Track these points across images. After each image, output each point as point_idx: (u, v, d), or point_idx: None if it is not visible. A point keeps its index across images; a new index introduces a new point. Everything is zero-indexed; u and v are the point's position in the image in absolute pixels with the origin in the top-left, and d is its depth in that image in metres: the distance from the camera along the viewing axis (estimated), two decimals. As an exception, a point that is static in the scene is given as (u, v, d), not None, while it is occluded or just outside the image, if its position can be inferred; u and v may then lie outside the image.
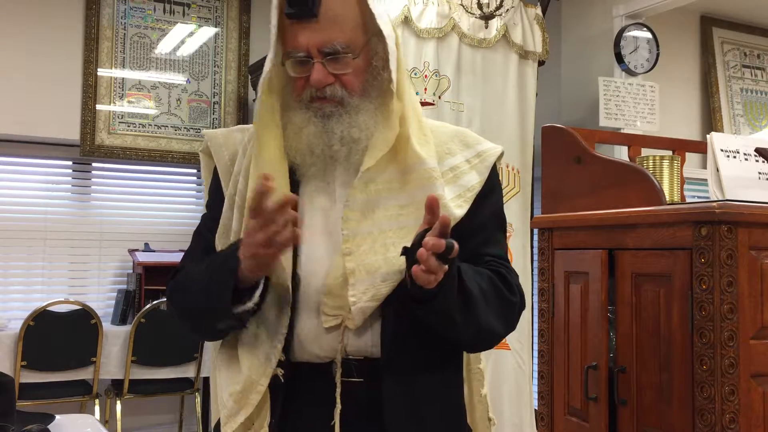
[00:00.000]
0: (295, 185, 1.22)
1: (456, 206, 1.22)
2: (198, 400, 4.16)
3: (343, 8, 1.17)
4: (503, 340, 3.77)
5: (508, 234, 3.68)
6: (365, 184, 1.19)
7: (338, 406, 1.15)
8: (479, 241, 1.25)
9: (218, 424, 1.27)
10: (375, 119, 1.21)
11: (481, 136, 1.35)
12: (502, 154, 1.34)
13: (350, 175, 1.21)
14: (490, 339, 1.23)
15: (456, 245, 1.01)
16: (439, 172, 1.23)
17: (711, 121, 4.95)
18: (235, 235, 1.23)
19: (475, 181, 1.26)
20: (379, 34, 1.20)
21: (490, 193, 1.29)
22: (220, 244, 1.27)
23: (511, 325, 1.25)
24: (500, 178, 1.34)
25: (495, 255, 1.26)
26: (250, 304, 1.14)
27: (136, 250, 4.31)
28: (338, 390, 1.16)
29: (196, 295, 1.19)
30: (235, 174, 1.28)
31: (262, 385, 1.17)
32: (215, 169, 1.32)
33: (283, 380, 1.18)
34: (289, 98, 1.23)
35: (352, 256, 1.16)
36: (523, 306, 1.27)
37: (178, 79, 4.48)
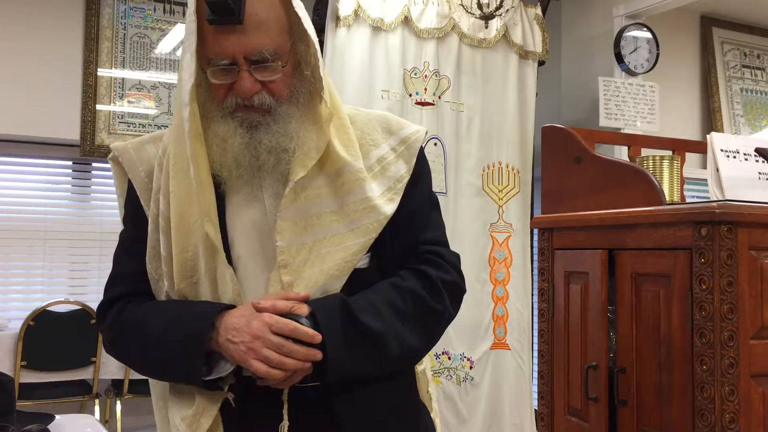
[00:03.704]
0: (219, 197, 1.17)
1: (387, 201, 1.20)
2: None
3: (269, 12, 1.11)
4: (503, 340, 3.79)
5: (507, 234, 3.70)
6: (296, 192, 1.15)
7: (285, 422, 1.14)
8: (415, 228, 1.24)
9: None
10: (304, 126, 1.16)
11: (406, 121, 1.31)
12: (426, 135, 1.31)
13: (280, 184, 1.17)
14: (413, 359, 1.25)
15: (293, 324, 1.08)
16: (366, 172, 1.20)
17: (711, 121, 4.95)
18: (165, 261, 1.18)
19: (403, 170, 1.24)
20: (303, 37, 1.16)
21: (419, 178, 1.26)
22: (151, 268, 1.22)
23: (435, 336, 1.24)
24: (427, 160, 1.31)
25: (432, 240, 1.25)
26: (223, 374, 1.13)
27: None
28: (285, 407, 1.14)
29: (156, 360, 1.17)
30: (154, 192, 1.21)
31: (214, 410, 1.15)
32: (129, 182, 1.26)
33: (234, 404, 1.15)
34: (209, 106, 1.16)
35: (288, 268, 1.14)
36: (459, 299, 1.26)
37: (178, 79, 4.48)
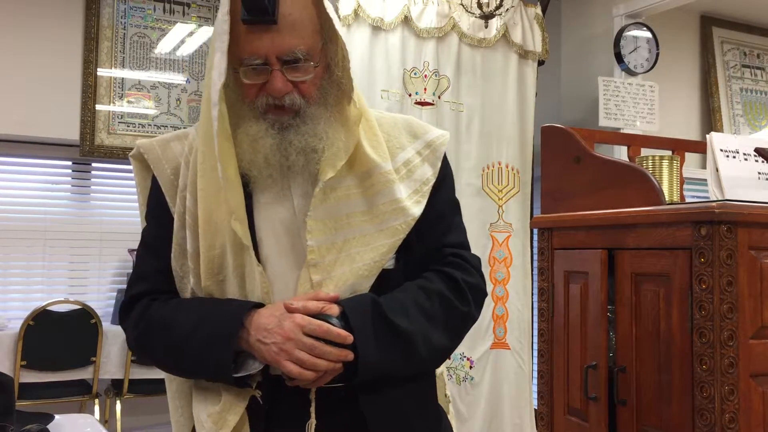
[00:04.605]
0: (247, 196, 1.17)
1: (414, 203, 1.22)
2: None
3: (302, 13, 1.13)
4: (503, 340, 3.79)
5: (507, 234, 3.70)
6: (325, 193, 1.16)
7: (312, 421, 1.14)
8: (439, 231, 1.26)
9: None
10: (333, 127, 1.17)
11: (429, 125, 1.34)
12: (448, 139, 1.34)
13: (309, 184, 1.18)
14: (439, 359, 1.26)
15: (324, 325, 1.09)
16: (395, 174, 1.22)
17: (711, 121, 4.95)
18: (191, 258, 1.19)
19: (429, 173, 1.26)
20: (333, 38, 1.17)
21: (443, 181, 1.29)
22: (176, 265, 1.22)
23: (460, 337, 1.26)
24: (449, 164, 1.33)
25: (455, 243, 1.28)
26: (252, 372, 1.13)
27: (136, 250, 4.30)
28: (313, 405, 1.15)
29: (184, 358, 1.17)
30: (180, 189, 1.22)
31: (241, 407, 1.15)
32: (154, 179, 1.26)
33: (261, 402, 1.16)
34: (239, 105, 1.17)
35: (317, 267, 1.15)
36: (481, 301, 1.28)
37: (178, 79, 4.48)
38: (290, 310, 1.10)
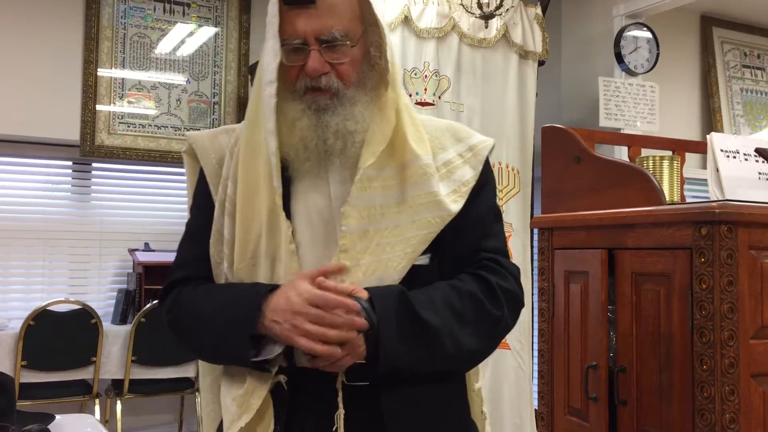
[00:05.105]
0: (286, 181, 1.19)
1: (452, 201, 1.22)
2: (198, 399, 4.16)
3: None
4: (503, 340, 3.79)
5: (508, 234, 3.70)
6: (364, 181, 1.16)
7: (341, 411, 1.14)
8: (477, 235, 1.25)
9: (220, 426, 1.27)
10: (371, 111, 1.18)
11: (473, 131, 1.34)
12: (493, 147, 1.33)
13: (346, 170, 1.18)
14: (467, 361, 1.24)
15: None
16: (434, 168, 1.21)
17: (711, 121, 4.95)
18: (227, 244, 1.21)
19: (469, 175, 1.25)
20: (375, 24, 1.19)
21: (485, 186, 1.28)
22: (214, 251, 1.24)
23: (491, 341, 1.23)
24: (492, 171, 1.33)
25: (493, 249, 1.26)
26: (271, 356, 1.13)
27: (136, 249, 4.31)
28: (340, 395, 1.14)
29: (208, 342, 1.19)
30: (223, 178, 1.24)
31: (264, 391, 1.15)
32: (201, 171, 1.29)
33: (286, 387, 1.16)
34: (280, 88, 1.18)
35: (347, 253, 1.15)
36: (517, 309, 1.25)
37: (178, 79, 4.48)
38: (321, 287, 1.10)
